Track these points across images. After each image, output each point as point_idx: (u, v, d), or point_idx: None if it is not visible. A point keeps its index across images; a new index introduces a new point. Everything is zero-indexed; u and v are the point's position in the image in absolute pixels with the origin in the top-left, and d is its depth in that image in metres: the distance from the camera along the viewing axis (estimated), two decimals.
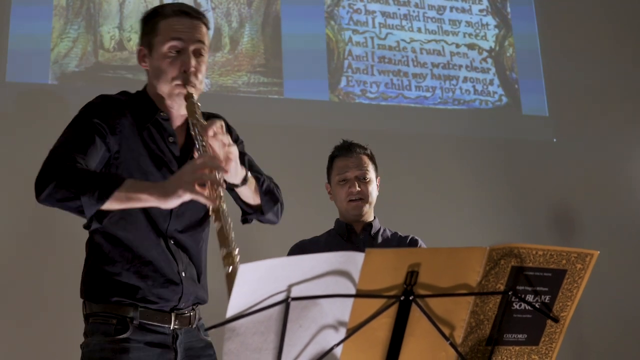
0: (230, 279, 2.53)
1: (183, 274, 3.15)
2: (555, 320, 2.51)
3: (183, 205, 2.90)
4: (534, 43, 7.36)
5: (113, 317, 3.04)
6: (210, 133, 2.88)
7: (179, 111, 3.20)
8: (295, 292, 2.16)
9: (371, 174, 4.29)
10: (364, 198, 4.23)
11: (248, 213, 3.29)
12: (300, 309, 2.19)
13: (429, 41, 7.01)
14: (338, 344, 2.25)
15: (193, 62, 3.11)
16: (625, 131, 7.36)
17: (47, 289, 5.53)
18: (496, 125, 7.01)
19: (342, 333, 2.25)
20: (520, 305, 2.46)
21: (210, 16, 6.46)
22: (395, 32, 6.94)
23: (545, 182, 6.99)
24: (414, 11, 7.05)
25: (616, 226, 6.97)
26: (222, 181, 2.82)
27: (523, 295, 2.44)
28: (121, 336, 3.01)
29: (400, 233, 4.36)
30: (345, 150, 4.32)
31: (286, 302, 2.15)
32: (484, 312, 2.41)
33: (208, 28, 3.24)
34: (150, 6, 6.22)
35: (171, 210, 3.09)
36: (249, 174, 3.12)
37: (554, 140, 7.17)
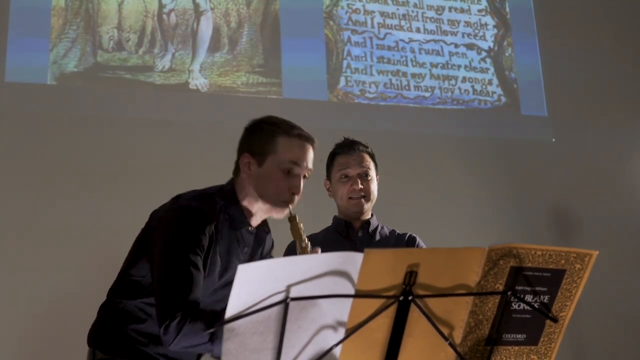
0: None
1: None
2: (554, 320, 2.51)
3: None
4: (532, 43, 7.36)
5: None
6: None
7: (258, 221, 3.33)
8: (294, 292, 2.15)
9: (372, 172, 4.25)
10: (365, 195, 4.19)
11: None
12: (299, 310, 2.19)
13: (428, 41, 7.01)
14: (337, 344, 2.25)
15: (301, 186, 3.24)
16: (625, 131, 7.36)
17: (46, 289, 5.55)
18: (495, 125, 7.01)
19: (341, 333, 2.25)
20: (519, 306, 2.46)
21: (209, 16, 6.46)
22: (394, 32, 6.94)
23: (545, 182, 6.99)
24: (412, 11, 7.05)
25: (615, 226, 6.97)
26: None
27: (522, 296, 2.43)
28: None
29: (397, 231, 4.33)
30: (347, 148, 4.27)
31: (285, 303, 2.15)
32: (483, 312, 2.41)
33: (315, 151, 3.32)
34: (149, 7, 6.26)
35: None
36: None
37: (553, 140, 7.17)
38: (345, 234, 4.25)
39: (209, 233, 3.09)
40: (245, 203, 3.27)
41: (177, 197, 3.24)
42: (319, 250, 3.29)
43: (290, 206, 3.22)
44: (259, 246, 3.36)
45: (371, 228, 4.26)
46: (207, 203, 3.19)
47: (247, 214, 3.27)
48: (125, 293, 3.19)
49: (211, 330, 2.83)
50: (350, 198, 4.20)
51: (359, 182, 4.18)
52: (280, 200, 3.20)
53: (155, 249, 3.09)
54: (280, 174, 3.18)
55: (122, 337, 3.13)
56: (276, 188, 3.19)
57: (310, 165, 3.26)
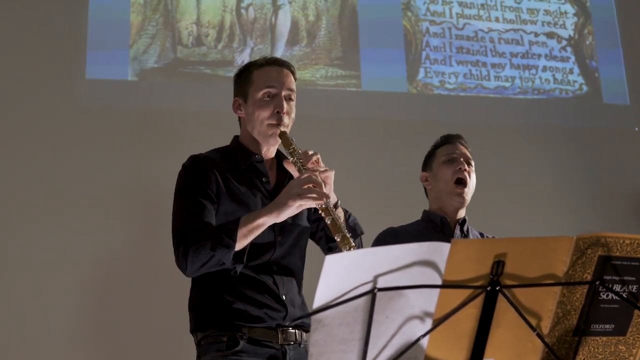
0: None
1: (284, 297, 3.39)
2: None
3: (285, 234, 3.43)
4: (613, 31, 7.26)
5: (223, 335, 3.29)
6: (312, 159, 3.35)
7: (270, 154, 3.60)
8: (381, 282, 2.16)
9: (473, 167, 4.20)
10: (467, 186, 4.11)
11: (333, 240, 3.46)
12: (387, 300, 2.19)
13: (507, 30, 6.96)
14: (424, 335, 2.25)
15: (285, 105, 3.46)
16: None
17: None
18: (577, 114, 6.93)
19: (429, 324, 2.25)
20: (607, 295, 2.43)
21: (286, 10, 6.49)
22: (473, 22, 6.90)
23: (627, 171, 6.89)
24: (491, 1, 7.00)
25: None
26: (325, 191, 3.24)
27: (610, 285, 2.40)
28: (233, 349, 3.26)
29: (486, 234, 4.25)
30: (451, 138, 4.25)
31: (372, 293, 2.15)
32: (571, 302, 2.39)
33: (295, 77, 3.59)
34: (227, 2, 6.33)
35: (274, 242, 3.41)
36: (339, 202, 3.46)
37: (636, 129, 7.07)
38: (440, 228, 4.11)
39: (209, 169, 3.41)
40: (246, 140, 3.57)
41: None
42: (311, 154, 3.38)
43: (281, 126, 3.45)
44: (285, 175, 3.55)
45: (465, 227, 4.15)
46: (214, 151, 3.59)
47: (251, 147, 3.54)
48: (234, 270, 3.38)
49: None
50: (456, 182, 4.10)
51: (464, 166, 4.13)
52: (267, 122, 3.46)
53: None
54: (262, 101, 3.46)
55: (211, 307, 3.34)
56: (262, 113, 3.46)
57: (290, 85, 3.52)
